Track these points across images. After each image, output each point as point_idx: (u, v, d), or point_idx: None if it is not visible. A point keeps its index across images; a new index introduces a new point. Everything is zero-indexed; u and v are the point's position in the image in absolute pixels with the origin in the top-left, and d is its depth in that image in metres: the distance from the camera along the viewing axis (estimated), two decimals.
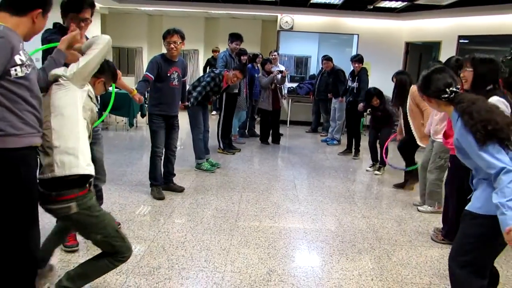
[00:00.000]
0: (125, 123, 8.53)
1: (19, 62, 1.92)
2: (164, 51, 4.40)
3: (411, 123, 4.95)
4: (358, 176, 6.05)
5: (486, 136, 1.91)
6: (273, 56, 8.50)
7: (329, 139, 8.28)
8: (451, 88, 2.11)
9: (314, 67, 12.27)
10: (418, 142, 4.90)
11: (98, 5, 10.44)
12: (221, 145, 6.76)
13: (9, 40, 1.88)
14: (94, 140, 3.19)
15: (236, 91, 6.65)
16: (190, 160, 5.91)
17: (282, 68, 9.01)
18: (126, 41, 11.98)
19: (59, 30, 2.85)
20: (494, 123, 1.92)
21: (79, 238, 3.14)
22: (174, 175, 4.79)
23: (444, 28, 9.48)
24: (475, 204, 2.11)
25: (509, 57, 7.37)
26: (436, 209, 4.39)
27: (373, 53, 10.14)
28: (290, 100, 10.00)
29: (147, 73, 4.22)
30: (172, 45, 4.25)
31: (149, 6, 10.68)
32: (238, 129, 7.86)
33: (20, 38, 1.99)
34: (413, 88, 4.93)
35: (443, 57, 9.49)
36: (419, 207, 4.56)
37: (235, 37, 6.63)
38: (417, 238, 3.78)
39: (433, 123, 4.29)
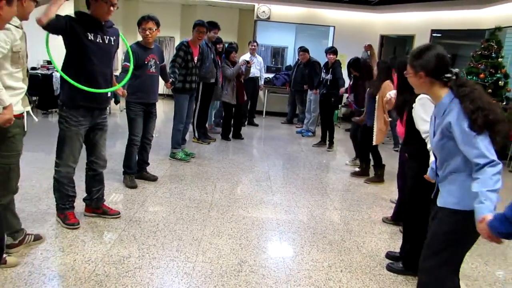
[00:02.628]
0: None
1: None
2: (139, 38, 4.32)
3: (375, 122, 4.99)
4: (331, 168, 6.13)
5: (485, 124, 1.85)
6: (253, 47, 8.47)
7: (304, 131, 8.35)
8: (454, 70, 2.01)
9: (290, 58, 12.29)
10: (374, 142, 5.04)
11: None
12: (196, 134, 6.73)
13: None
14: (100, 127, 3.34)
15: (213, 80, 6.61)
16: (165, 149, 5.87)
17: (260, 59, 9.00)
18: None
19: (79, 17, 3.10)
20: (494, 113, 1.87)
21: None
22: (148, 164, 4.75)
23: (418, 22, 9.64)
24: (449, 199, 2.03)
25: (479, 52, 7.59)
26: None
27: (349, 45, 10.18)
28: (266, 91, 10.01)
29: (125, 63, 4.12)
30: (147, 32, 4.18)
31: None
32: (214, 118, 7.83)
33: None
34: (387, 82, 5.02)
35: None
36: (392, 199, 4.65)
37: (212, 26, 6.56)
38: (386, 231, 3.87)
39: None
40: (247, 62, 7.34)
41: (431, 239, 2.12)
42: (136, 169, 4.55)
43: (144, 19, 4.20)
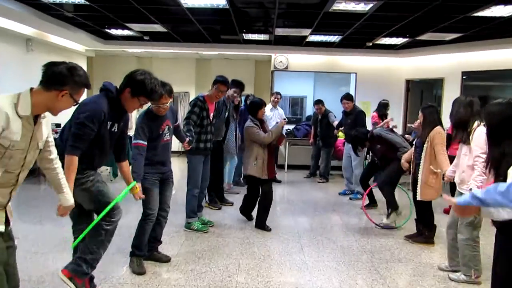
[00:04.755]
0: (109, 173, 7.77)
1: None
2: None
3: (421, 164, 4.43)
4: (371, 231, 5.30)
5: None
6: (276, 99, 7.96)
7: (348, 191, 7.16)
8: None
9: (310, 108, 11.74)
10: (419, 197, 4.48)
11: (83, 48, 9.94)
12: (207, 198, 6.01)
13: None
14: None
15: (221, 138, 5.98)
16: (178, 217, 5.14)
17: (281, 111, 8.44)
18: (114, 84, 11.41)
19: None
20: None
21: None
22: (161, 242, 4.02)
23: (447, 64, 9.05)
24: None
25: None
26: (474, 278, 3.63)
27: (372, 91, 9.67)
28: (287, 143, 9.35)
29: (138, 141, 3.52)
30: (161, 109, 3.56)
31: (137, 48, 10.20)
32: (233, 177, 7.15)
33: None
34: (437, 129, 4.36)
35: (447, 94, 9.04)
36: (450, 275, 3.80)
37: (236, 85, 5.89)
38: None
39: (460, 168, 3.67)
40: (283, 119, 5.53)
41: None
42: (146, 250, 3.82)
43: (161, 96, 3.39)
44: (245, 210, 5.40)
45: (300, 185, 8.03)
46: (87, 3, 6.01)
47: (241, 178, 7.50)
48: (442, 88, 9.28)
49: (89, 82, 2.31)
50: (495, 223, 2.46)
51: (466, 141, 3.58)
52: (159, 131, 3.64)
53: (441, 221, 5.15)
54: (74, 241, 2.96)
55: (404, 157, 4.93)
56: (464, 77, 8.79)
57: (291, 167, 9.59)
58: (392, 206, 5.20)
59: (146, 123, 3.54)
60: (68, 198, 2.53)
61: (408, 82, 10.00)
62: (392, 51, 9.57)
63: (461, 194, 3.59)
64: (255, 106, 5.03)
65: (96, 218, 2.85)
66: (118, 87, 2.99)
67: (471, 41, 8.02)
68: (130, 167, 3.41)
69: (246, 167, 5.01)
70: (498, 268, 2.48)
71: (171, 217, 5.03)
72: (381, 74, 9.96)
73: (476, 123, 3.56)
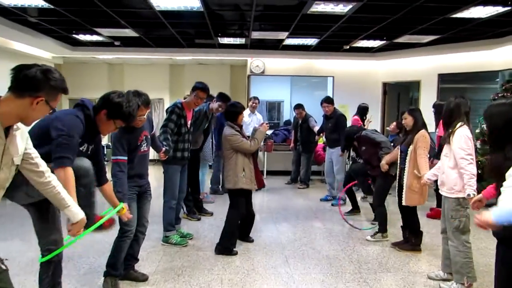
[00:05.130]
0: None
1: None
2: None
3: (406, 168, 4.32)
4: (359, 239, 5.13)
5: None
6: (254, 104, 7.73)
7: (329, 197, 6.97)
8: None
9: (287, 112, 11.58)
10: (404, 202, 4.38)
11: (50, 55, 9.51)
12: (185, 209, 5.75)
13: None
14: None
15: (198, 147, 5.75)
16: (156, 230, 4.85)
17: (259, 116, 8.25)
18: (84, 92, 10.91)
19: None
20: None
21: None
22: (137, 260, 3.73)
23: (423, 67, 9.06)
24: None
25: (501, 94, 6.89)
26: (466, 286, 3.47)
27: (350, 95, 9.59)
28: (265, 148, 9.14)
29: (118, 157, 3.25)
30: (139, 120, 3.29)
31: (108, 54, 9.83)
32: (210, 185, 6.88)
33: None
34: (421, 133, 4.27)
35: (424, 97, 9.05)
36: (441, 284, 3.64)
37: (221, 98, 5.47)
38: None
39: (441, 169, 3.62)
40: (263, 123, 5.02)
41: None
42: (122, 269, 3.52)
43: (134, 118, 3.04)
44: (242, 234, 4.70)
45: (280, 192, 7.83)
46: (52, 7, 5.67)
47: (220, 186, 7.26)
48: (419, 90, 9.29)
49: (66, 86, 2.03)
50: (497, 234, 2.31)
51: (447, 140, 3.50)
52: (136, 143, 3.39)
53: (425, 227, 5.06)
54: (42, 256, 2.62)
55: (385, 158, 4.76)
56: (440, 79, 8.82)
57: (270, 173, 9.39)
58: (381, 228, 4.95)
59: (123, 136, 3.28)
60: (76, 211, 2.26)
61: (385, 85, 9.98)
62: (369, 54, 9.53)
63: (443, 197, 3.51)
64: (235, 111, 4.47)
65: (75, 238, 2.47)
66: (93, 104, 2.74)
67: (448, 43, 8.02)
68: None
69: (233, 180, 4.32)
70: (500, 278, 2.37)
71: (148, 231, 4.77)
72: (358, 77, 9.91)
73: (459, 124, 3.47)
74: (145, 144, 3.48)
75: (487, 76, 8.33)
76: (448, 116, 3.63)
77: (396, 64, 9.59)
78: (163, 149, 4.13)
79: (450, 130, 3.48)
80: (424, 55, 8.86)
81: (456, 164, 3.42)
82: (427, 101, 7.96)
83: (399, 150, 4.56)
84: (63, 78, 2.01)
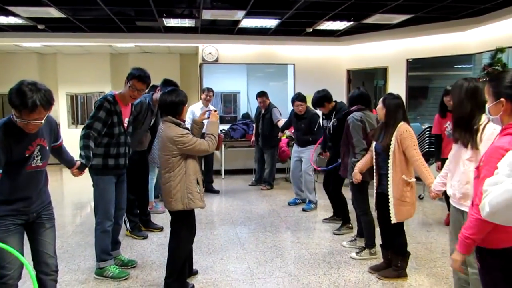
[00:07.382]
0: None
1: None
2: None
3: (390, 175, 3.36)
4: (340, 258, 4.27)
5: None
6: (208, 97, 6.63)
7: (299, 200, 6.11)
8: None
9: (244, 104, 10.59)
10: (394, 219, 3.40)
11: None
12: (128, 225, 4.68)
13: None
14: None
15: (145, 148, 4.71)
16: (88, 258, 3.76)
17: (211, 108, 7.20)
18: (10, 87, 9.51)
19: None
20: None
21: None
22: None
23: (390, 52, 8.35)
24: None
25: (483, 79, 6.27)
26: None
27: (312, 83, 8.70)
28: (223, 146, 8.14)
29: None
30: (31, 126, 2.28)
31: (34, 42, 8.41)
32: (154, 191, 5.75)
33: None
34: (403, 127, 3.35)
35: (391, 84, 8.38)
36: None
37: (167, 86, 4.42)
38: None
39: (461, 177, 2.59)
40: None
41: None
42: None
43: (25, 107, 2.19)
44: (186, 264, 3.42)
45: (241, 195, 6.86)
46: None
47: None
48: (386, 77, 8.59)
49: None
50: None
51: (470, 144, 2.51)
52: (23, 154, 2.31)
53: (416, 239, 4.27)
54: None
55: (358, 166, 3.79)
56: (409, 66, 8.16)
57: (229, 172, 8.42)
58: (369, 242, 4.05)
59: (1, 141, 2.19)
60: None
61: (349, 72, 9.22)
62: (332, 39, 8.70)
63: (461, 212, 2.60)
64: (177, 102, 3.17)
65: None
66: None
67: (418, 24, 7.33)
68: None
69: (185, 199, 3.13)
70: None
71: (74, 264, 3.68)
72: (320, 64, 9.07)
73: (484, 118, 2.54)
74: (38, 158, 2.41)
75: (459, 61, 7.75)
76: (459, 107, 2.70)
77: (361, 50, 8.83)
78: (77, 163, 3.03)
79: (475, 127, 2.52)
80: (391, 39, 8.14)
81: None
82: (395, 89, 7.21)
83: (373, 152, 3.64)
84: None
